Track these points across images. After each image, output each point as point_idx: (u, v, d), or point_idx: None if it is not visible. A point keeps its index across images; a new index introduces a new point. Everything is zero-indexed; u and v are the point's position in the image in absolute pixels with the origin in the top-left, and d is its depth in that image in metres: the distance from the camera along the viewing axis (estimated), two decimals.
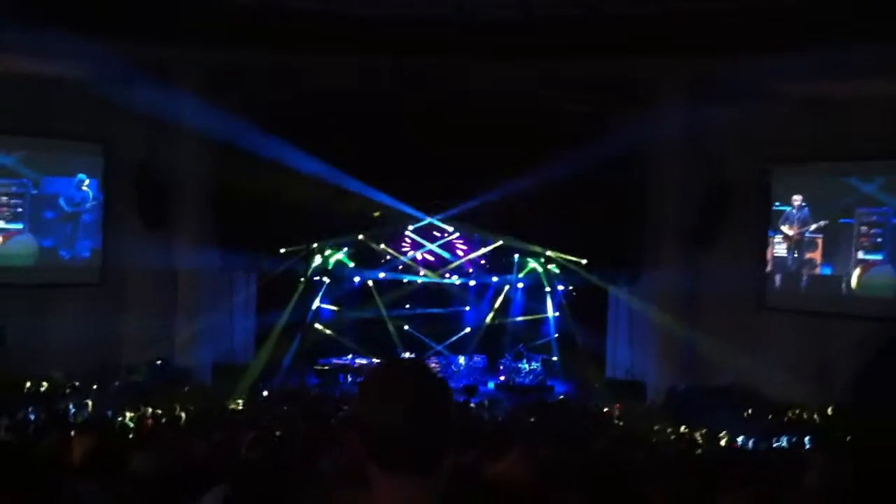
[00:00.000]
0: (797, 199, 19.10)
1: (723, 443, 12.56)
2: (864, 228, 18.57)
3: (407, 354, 19.18)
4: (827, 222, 18.68)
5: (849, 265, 18.51)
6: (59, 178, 18.06)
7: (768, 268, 19.12)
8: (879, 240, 18.37)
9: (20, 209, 17.69)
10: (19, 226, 17.66)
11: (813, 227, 18.82)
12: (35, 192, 17.79)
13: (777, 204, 19.10)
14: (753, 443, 12.64)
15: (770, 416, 15.00)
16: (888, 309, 16.82)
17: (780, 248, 19.39)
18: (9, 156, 17.52)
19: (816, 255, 19.02)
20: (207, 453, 7.35)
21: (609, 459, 5.36)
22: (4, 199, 17.56)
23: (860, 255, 18.57)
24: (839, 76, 15.42)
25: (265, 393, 17.14)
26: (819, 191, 19.05)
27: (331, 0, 15.18)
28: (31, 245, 17.74)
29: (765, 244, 18.83)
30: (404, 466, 1.98)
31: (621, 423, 14.64)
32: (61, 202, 18.00)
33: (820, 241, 18.84)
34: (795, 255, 19.21)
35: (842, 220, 18.61)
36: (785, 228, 19.18)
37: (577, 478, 3.75)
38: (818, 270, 18.97)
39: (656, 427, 13.85)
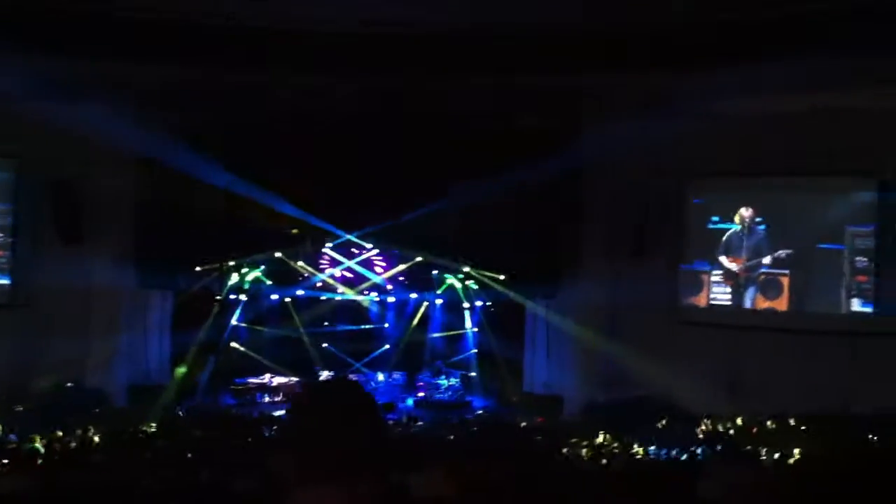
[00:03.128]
0: (746, 214, 13.67)
1: (638, 455, 12.80)
2: (861, 261, 12.55)
3: (325, 373, 19.11)
4: (793, 252, 13.03)
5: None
6: None
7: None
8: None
9: None
10: None
11: (767, 259, 13.37)
12: None
13: (716, 219, 14.70)
14: (667, 454, 12.91)
15: (684, 428, 15.32)
16: (813, 323, 14.28)
17: (719, 291, 14.10)
18: None
19: (780, 304, 13.47)
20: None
21: (529, 476, 5.45)
22: None
23: (856, 304, 12.75)
24: (779, 91, 15.07)
25: (181, 413, 16.86)
26: (783, 201, 13.50)
27: (262, 15, 15.03)
28: None
29: (680, 256, 16.41)
30: (328, 480, 2.01)
31: (540, 438, 14.79)
32: None
33: (786, 282, 13.39)
34: (743, 305, 13.64)
35: (823, 247, 12.96)
36: (725, 260, 13.75)
37: (499, 495, 3.82)
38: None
39: (573, 440, 14.04)
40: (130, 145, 16.69)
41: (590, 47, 15.02)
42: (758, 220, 14.07)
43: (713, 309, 16.05)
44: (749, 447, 12.01)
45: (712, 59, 13.91)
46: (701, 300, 15.24)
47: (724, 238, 14.34)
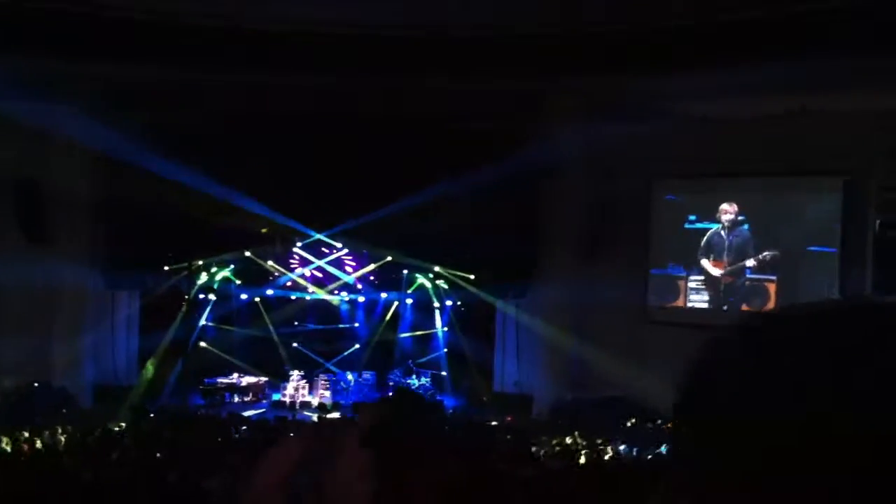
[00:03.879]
0: (730, 210, 12.48)
1: (607, 456, 12.87)
2: None
3: (295, 372, 19.02)
4: (778, 253, 11.86)
5: None
6: None
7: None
8: None
9: None
10: None
11: (751, 262, 12.18)
12: None
13: (692, 218, 13.78)
14: (636, 452, 12.99)
15: (651, 426, 15.41)
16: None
17: (697, 298, 13.03)
18: None
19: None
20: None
21: (499, 474, 5.48)
22: None
23: None
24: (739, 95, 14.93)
25: (150, 414, 16.74)
26: (769, 199, 12.18)
27: (225, 16, 14.88)
28: None
29: (653, 259, 15.96)
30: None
31: (510, 437, 14.84)
32: None
33: (772, 289, 12.25)
34: (725, 312, 12.39)
35: (814, 249, 11.78)
36: (707, 264, 12.75)
37: (469, 494, 3.83)
38: None
39: (543, 439, 14.09)
40: (99, 144, 16.50)
41: (586, 48, 14.96)
42: (741, 217, 12.94)
43: (686, 311, 15.38)
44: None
45: (711, 60, 13.74)
46: (678, 304, 14.40)
47: (704, 238, 13.23)
